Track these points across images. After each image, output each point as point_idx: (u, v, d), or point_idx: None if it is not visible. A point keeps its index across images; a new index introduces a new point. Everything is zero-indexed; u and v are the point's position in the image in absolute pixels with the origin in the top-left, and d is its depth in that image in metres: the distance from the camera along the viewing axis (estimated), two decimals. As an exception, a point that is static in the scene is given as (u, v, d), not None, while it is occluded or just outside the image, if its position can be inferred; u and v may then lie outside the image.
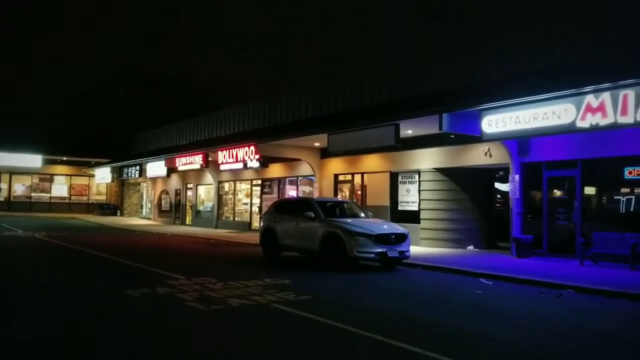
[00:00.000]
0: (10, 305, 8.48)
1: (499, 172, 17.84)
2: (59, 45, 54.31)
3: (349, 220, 13.67)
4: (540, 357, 6.17)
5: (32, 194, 42.94)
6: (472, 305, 9.14)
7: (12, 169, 40.69)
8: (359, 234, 12.61)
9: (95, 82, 51.22)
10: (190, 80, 50.81)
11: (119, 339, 6.55)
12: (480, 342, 6.68)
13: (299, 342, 6.55)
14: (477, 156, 16.57)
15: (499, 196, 18.31)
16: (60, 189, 43.92)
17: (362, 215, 14.79)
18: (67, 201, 43.79)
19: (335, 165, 21.53)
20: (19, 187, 42.70)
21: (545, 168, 15.26)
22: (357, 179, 20.97)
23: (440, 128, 13.95)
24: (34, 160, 40.17)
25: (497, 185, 18.33)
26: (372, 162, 19.88)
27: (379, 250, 12.57)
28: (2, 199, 41.70)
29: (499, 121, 13.34)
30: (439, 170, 17.85)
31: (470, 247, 17.47)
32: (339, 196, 21.20)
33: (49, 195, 43.46)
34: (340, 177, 21.69)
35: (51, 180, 43.63)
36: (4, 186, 41.98)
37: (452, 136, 15.70)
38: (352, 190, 21.12)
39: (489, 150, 16.22)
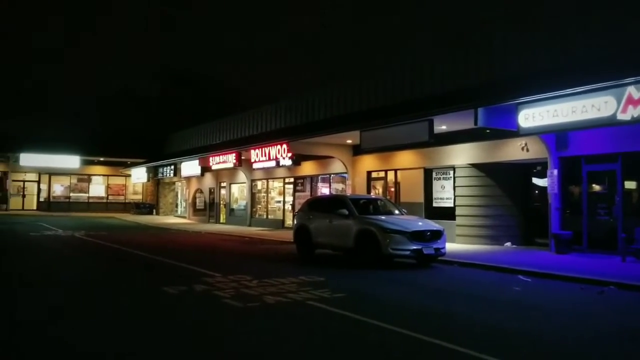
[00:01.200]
0: (56, 303, 8.77)
1: (537, 167, 17.52)
2: (92, 47, 55.53)
3: (383, 217, 13.66)
4: (583, 355, 6.06)
5: (71, 194, 44.13)
6: (510, 302, 9.03)
7: (51, 170, 41.89)
8: (393, 231, 12.57)
9: (129, 83, 52.29)
10: (222, 80, 51.38)
11: (156, 335, 6.71)
12: (520, 339, 6.60)
13: (335, 339, 6.59)
14: (514, 151, 16.31)
15: (536, 192, 17.98)
16: (97, 189, 45.03)
17: (396, 212, 14.74)
18: (104, 201, 44.86)
19: (368, 162, 21.48)
20: (58, 188, 43.94)
21: (584, 162, 14.92)
22: (391, 175, 20.88)
23: (476, 123, 13.78)
24: (72, 161, 41.28)
25: (535, 180, 18.00)
26: (405, 158, 19.76)
27: (414, 248, 12.51)
28: (42, 199, 42.99)
29: (536, 115, 13.11)
30: (474, 165, 17.64)
31: (508, 244, 17.22)
32: (372, 193, 21.15)
33: (87, 195, 44.61)
34: (373, 174, 21.63)
35: (89, 181, 44.76)
36: (44, 187, 43.26)
37: (487, 131, 15.46)
38: (386, 187, 21.04)
39: (525, 144, 15.95)
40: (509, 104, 13.43)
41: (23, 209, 41.47)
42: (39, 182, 43.00)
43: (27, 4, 57.83)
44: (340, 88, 22.20)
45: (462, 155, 17.86)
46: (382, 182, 21.32)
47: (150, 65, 54.10)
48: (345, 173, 22.46)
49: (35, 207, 42.32)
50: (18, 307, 8.35)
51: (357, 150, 21.08)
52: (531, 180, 18.07)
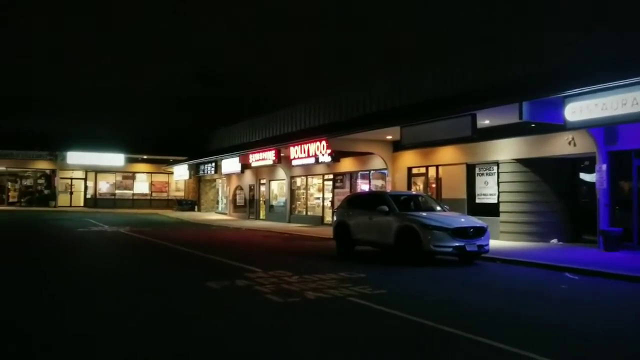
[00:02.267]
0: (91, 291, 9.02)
1: (584, 162, 16.99)
2: (132, 47, 56.80)
3: (424, 213, 13.51)
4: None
5: (116, 191, 45.41)
6: (557, 300, 8.79)
7: (97, 167, 43.23)
8: (435, 228, 12.42)
9: (170, 83, 53.33)
10: (256, 77, 51.85)
11: (200, 328, 6.81)
12: (569, 338, 6.41)
13: (377, 336, 6.54)
14: (560, 146, 15.86)
15: (584, 187, 17.44)
16: (141, 186, 46.18)
17: (438, 208, 14.55)
18: (148, 197, 45.96)
19: (409, 158, 21.28)
20: (104, 185, 45.26)
21: (634, 156, 14.38)
22: (432, 171, 20.62)
23: (520, 117, 13.46)
24: (117, 159, 42.43)
25: (582, 175, 17.46)
26: (447, 154, 19.49)
27: (457, 244, 12.33)
28: (88, 196, 44.39)
29: (583, 108, 12.70)
30: (519, 161, 17.25)
31: (554, 241, 16.77)
32: (412, 190, 20.94)
33: (132, 192, 45.81)
34: (414, 170, 21.41)
35: (133, 178, 45.95)
36: (90, 184, 44.65)
37: (532, 125, 15.10)
38: (427, 184, 20.80)
39: (572, 139, 15.49)
40: (555, 97, 13.06)
41: (71, 206, 42.94)
42: (85, 179, 44.40)
43: (67, 5, 59.57)
44: (380, 83, 22.03)
45: (506, 150, 17.49)
46: (423, 178, 21.07)
47: (190, 65, 55.05)
48: (385, 169, 22.30)
49: (82, 204, 43.75)
50: (71, 302, 8.62)
51: (398, 146, 20.90)
52: (579, 175, 17.54)
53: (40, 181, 44.32)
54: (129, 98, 53.10)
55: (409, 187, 21.23)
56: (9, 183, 43.32)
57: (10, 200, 42.76)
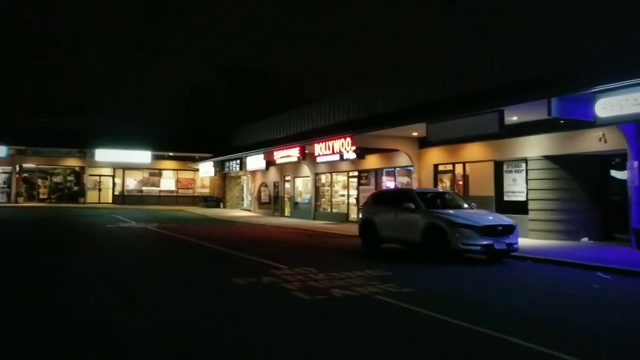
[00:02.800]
0: (132, 293, 9.15)
1: (615, 159, 16.60)
2: (157, 43, 57.36)
3: (452, 211, 13.40)
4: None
5: (143, 188, 46.06)
6: (589, 300, 8.63)
7: (125, 165, 43.85)
8: (463, 225, 12.30)
9: (194, 80, 53.77)
10: (284, 74, 51.96)
11: (227, 326, 6.85)
12: (602, 339, 6.27)
13: (406, 335, 6.50)
14: (590, 142, 15.54)
15: (615, 185, 17.05)
16: (168, 182, 46.76)
17: (465, 206, 14.41)
18: (174, 194, 46.51)
19: (435, 154, 21.10)
20: (131, 182, 45.94)
21: (670, 153, 13.99)
22: (459, 168, 20.42)
23: (549, 113, 13.22)
24: (144, 156, 42.95)
25: (613, 173, 17.07)
26: (474, 150, 19.27)
27: (485, 243, 12.19)
28: (116, 193, 45.11)
29: (614, 104, 12.40)
30: (548, 157, 16.96)
31: (585, 239, 16.46)
32: (439, 187, 20.77)
33: (158, 188, 46.41)
34: (440, 167, 21.23)
35: (160, 175, 46.56)
36: (118, 181, 45.37)
37: (562, 122, 14.83)
38: (453, 181, 20.61)
39: (603, 135, 15.16)
40: (585, 93, 12.79)
41: (99, 202, 43.71)
42: (113, 176, 45.14)
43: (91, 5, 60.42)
44: (405, 78, 21.88)
45: (534, 147, 17.21)
46: (449, 175, 20.89)
47: (214, 61, 55.34)
48: (411, 166, 22.16)
49: (110, 200, 44.49)
50: (102, 296, 8.77)
51: (423, 143, 20.75)
52: (609, 172, 17.16)
53: (69, 178, 45.21)
54: (155, 95, 53.78)
55: (436, 185, 21.06)
56: (40, 180, 44.27)
57: (41, 196, 43.70)
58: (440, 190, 18.43)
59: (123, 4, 62.65)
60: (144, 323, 6.98)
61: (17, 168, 41.93)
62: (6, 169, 41.52)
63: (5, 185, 41.72)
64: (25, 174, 43.37)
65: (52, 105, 50.01)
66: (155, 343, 6.08)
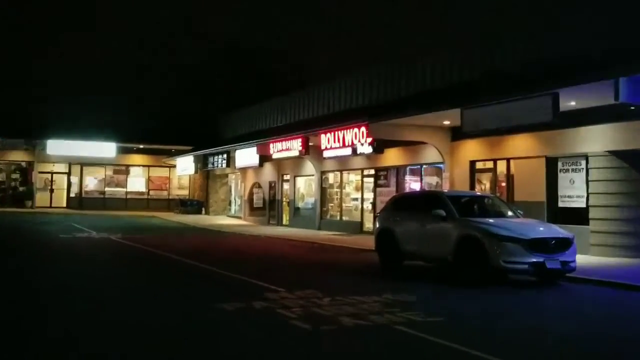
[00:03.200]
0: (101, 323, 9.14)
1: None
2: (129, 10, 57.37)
3: (492, 220, 13.38)
4: None
5: (106, 189, 46.20)
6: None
7: (84, 160, 43.89)
8: (506, 239, 12.24)
9: (175, 59, 53.75)
10: (287, 54, 51.95)
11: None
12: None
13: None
14: (669, 134, 15.43)
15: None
16: (137, 182, 46.92)
17: (509, 213, 14.37)
18: (144, 197, 46.65)
19: (471, 148, 21.03)
20: (91, 181, 46.14)
21: None
22: (501, 166, 20.33)
23: (617, 98, 13.17)
24: (107, 149, 43.10)
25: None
26: (521, 144, 19.17)
27: (534, 260, 12.12)
28: (72, 195, 45.25)
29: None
30: (614, 153, 16.85)
31: (660, 257, 16.34)
32: (476, 189, 20.70)
33: (125, 190, 46.54)
34: (478, 165, 21.16)
35: (127, 173, 46.69)
36: (75, 180, 45.45)
37: (632, 108, 14.74)
38: (495, 182, 20.53)
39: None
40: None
41: (51, 206, 43.73)
42: (69, 174, 45.25)
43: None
44: (435, 54, 21.81)
45: (598, 140, 17.10)
46: (489, 174, 20.81)
47: (200, 37, 55.30)
48: (442, 163, 22.09)
49: (65, 204, 44.58)
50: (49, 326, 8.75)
51: (457, 134, 20.66)
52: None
53: (14, 176, 45.32)
54: (123, 77, 53.70)
55: (472, 186, 20.99)
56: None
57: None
58: (478, 193, 18.39)
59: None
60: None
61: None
62: None
63: None
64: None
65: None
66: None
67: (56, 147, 41.78)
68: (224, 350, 7.42)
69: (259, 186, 36.41)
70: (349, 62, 42.81)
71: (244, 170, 36.18)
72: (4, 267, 15.07)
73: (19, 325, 8.61)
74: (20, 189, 44.84)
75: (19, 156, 44.14)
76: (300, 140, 25.95)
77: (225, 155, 34.60)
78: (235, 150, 32.87)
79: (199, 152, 37.82)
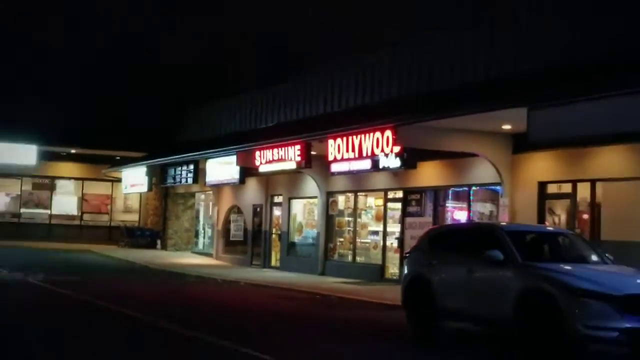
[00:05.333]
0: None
1: None
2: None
3: (569, 267, 13.40)
4: None
5: (22, 210, 46.35)
6: None
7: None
8: (589, 294, 12.23)
9: (123, 33, 54.18)
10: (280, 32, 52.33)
11: None
12: None
13: None
14: None
15: None
16: (65, 201, 47.09)
17: (594, 258, 14.40)
18: (76, 222, 46.79)
19: (541, 165, 21.12)
20: (2, 199, 46.24)
21: None
22: (583, 191, 20.39)
23: None
24: (25, 154, 43.24)
25: None
26: (612, 160, 19.27)
27: (629, 326, 12.11)
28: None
29: None
30: None
31: None
32: (547, 223, 20.73)
33: (48, 212, 46.68)
34: (551, 188, 21.22)
35: (51, 188, 46.89)
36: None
37: None
38: (573, 213, 20.60)
39: None
40: None
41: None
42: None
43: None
44: (486, 32, 21.88)
45: None
46: (567, 202, 20.88)
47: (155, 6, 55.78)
48: (499, 185, 22.17)
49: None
50: None
51: (522, 144, 20.72)
52: None
53: None
54: (52, 60, 54.10)
55: (542, 219, 21.02)
56: None
57: None
58: (550, 229, 18.36)
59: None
60: None
61: None
62: None
63: None
64: None
65: None
66: None
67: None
68: None
69: (239, 211, 36.49)
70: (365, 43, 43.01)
71: (217, 188, 36.30)
72: None
73: None
74: None
75: None
76: (298, 147, 25.98)
77: (191, 167, 34.70)
78: (207, 159, 32.96)
79: (154, 161, 37.96)
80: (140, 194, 44.35)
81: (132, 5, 55.63)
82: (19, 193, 46.56)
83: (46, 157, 44.57)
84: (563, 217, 20.89)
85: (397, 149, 21.37)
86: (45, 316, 17.00)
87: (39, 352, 12.31)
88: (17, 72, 51.01)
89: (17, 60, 52.31)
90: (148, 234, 44.34)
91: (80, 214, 47.22)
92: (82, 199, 47.39)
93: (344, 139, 23.15)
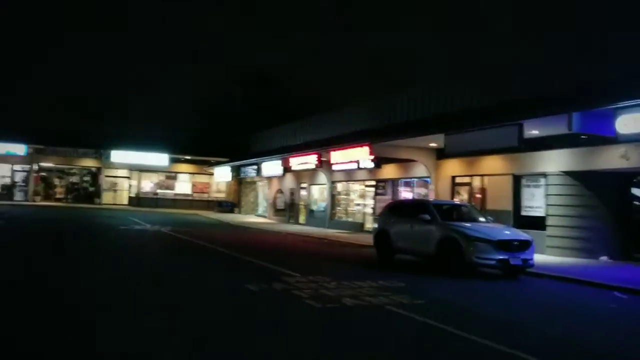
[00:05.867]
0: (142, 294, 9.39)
1: (638, 177, 16.52)
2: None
3: (468, 224, 13.44)
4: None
5: (158, 191, 46.60)
6: (606, 319, 8.64)
7: (141, 167, 44.55)
8: (478, 239, 12.34)
9: (212, 84, 54.31)
10: (305, 82, 52.18)
11: (238, 329, 7.04)
12: (603, 354, 6.33)
13: (413, 347, 6.62)
14: (612, 159, 15.47)
15: (636, 203, 16.95)
16: (183, 186, 47.26)
17: (482, 219, 14.42)
18: (189, 198, 46.94)
19: (453, 166, 21.14)
20: (147, 184, 46.54)
21: (694, 172, 13.91)
22: (476, 181, 20.42)
23: (570, 128, 13.23)
24: (161, 159, 43.63)
25: (635, 190, 16.99)
26: (492, 163, 19.28)
27: (500, 257, 12.22)
28: (132, 195, 45.73)
29: (636, 120, 12.38)
30: (568, 173, 16.92)
31: (604, 258, 16.36)
32: (456, 199, 20.79)
33: (173, 192, 46.91)
34: (458, 180, 21.23)
35: (175, 178, 47.10)
36: (134, 183, 46.01)
37: (583, 137, 14.82)
38: (471, 194, 20.61)
39: (626, 152, 15.09)
40: (606, 109, 12.79)
41: (114, 204, 44.28)
42: (129, 178, 45.79)
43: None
44: (425, 90, 21.95)
45: (554, 161, 17.19)
46: (467, 188, 20.89)
47: (232, 67, 55.80)
48: (428, 177, 22.21)
49: (125, 202, 45.07)
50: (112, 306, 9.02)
51: (441, 154, 20.78)
52: (631, 190, 17.06)
53: (85, 178, 46.01)
54: (173, 99, 54.38)
55: (453, 197, 21.07)
56: (57, 179, 45.12)
57: (57, 196, 44.47)
58: (457, 202, 18.44)
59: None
60: (168, 324, 7.19)
61: (36, 167, 42.75)
62: (25, 167, 42.37)
63: (23, 184, 42.55)
64: (43, 173, 44.21)
65: (73, 106, 50.85)
66: (183, 340, 6.30)
67: (119, 156, 42.34)
68: (248, 318, 7.66)
69: (281, 192, 36.62)
70: (359, 90, 42.97)
71: (269, 178, 36.45)
72: (91, 244, 15.46)
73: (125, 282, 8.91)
74: (90, 189, 45.48)
75: (89, 162, 44.72)
76: (315, 156, 26.16)
77: (255, 166, 34.89)
78: (263, 162, 33.15)
79: (233, 164, 38.10)
80: (226, 182, 44.51)
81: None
82: (157, 181, 46.81)
83: (172, 160, 44.79)
84: (465, 196, 20.92)
85: (371, 157, 21.48)
86: (169, 246, 17.35)
87: (171, 255, 12.81)
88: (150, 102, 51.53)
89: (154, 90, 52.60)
90: (230, 204, 44.48)
91: (191, 193, 47.41)
92: (193, 185, 47.57)
93: (341, 151, 23.32)
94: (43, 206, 38.43)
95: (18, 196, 41.75)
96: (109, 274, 11.19)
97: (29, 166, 42.26)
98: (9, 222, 24.01)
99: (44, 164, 43.40)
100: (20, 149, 40.24)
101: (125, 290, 9.58)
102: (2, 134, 38.93)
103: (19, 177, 42.59)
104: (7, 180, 42.21)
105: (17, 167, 42.14)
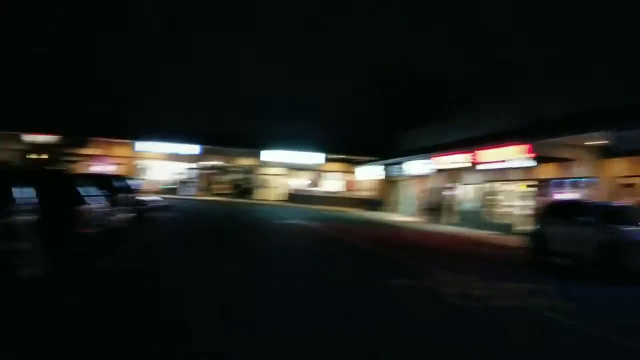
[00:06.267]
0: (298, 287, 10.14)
1: None
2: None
3: (633, 228, 12.55)
4: None
5: (310, 188, 48.88)
6: None
7: (293, 165, 47.32)
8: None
9: (356, 85, 54.96)
10: (447, 78, 50.97)
11: (376, 321, 7.38)
12: None
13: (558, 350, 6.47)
14: None
15: None
16: (332, 184, 49.05)
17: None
18: (338, 195, 48.44)
19: (617, 166, 19.50)
20: (303, 182, 49.18)
21: None
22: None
23: None
24: (316, 157, 46.10)
25: None
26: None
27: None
28: (285, 192, 48.56)
29: None
30: None
31: None
32: (621, 201, 19.14)
33: (323, 189, 48.84)
34: (623, 180, 19.52)
35: (325, 177, 49.10)
36: (287, 180, 48.90)
37: None
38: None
39: None
40: None
41: (269, 200, 47.31)
42: (283, 176, 48.72)
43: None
44: (584, 78, 20.49)
45: None
46: (633, 189, 19.14)
47: (378, 63, 55.89)
48: (588, 177, 20.74)
49: (279, 198, 47.90)
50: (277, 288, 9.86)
51: (606, 153, 19.27)
52: None
53: (243, 176, 49.90)
54: (320, 99, 56.08)
55: (616, 198, 19.42)
56: (217, 177, 49.57)
57: (216, 192, 48.78)
58: (622, 204, 17.08)
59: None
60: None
61: (207, 164, 47.47)
62: (194, 165, 47.36)
63: (196, 180, 47.51)
64: (214, 170, 49.01)
65: (230, 107, 54.78)
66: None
67: (273, 155, 45.46)
68: (391, 310, 7.96)
69: (429, 191, 36.34)
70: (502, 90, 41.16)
71: (417, 177, 36.35)
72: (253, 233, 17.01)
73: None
74: (248, 185, 49.22)
75: (247, 161, 48.30)
76: (465, 155, 25.70)
77: (402, 165, 35.08)
78: (411, 161, 33.20)
79: (381, 162, 38.69)
80: (373, 180, 45.25)
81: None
82: (309, 179, 49.14)
83: (326, 159, 46.79)
84: (632, 199, 19.20)
85: (530, 155, 20.67)
86: (319, 241, 18.24)
87: (318, 253, 13.52)
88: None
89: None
90: (377, 203, 45.04)
91: (340, 190, 48.87)
92: (342, 183, 49.06)
93: (494, 149, 22.80)
94: (208, 201, 42.22)
95: (183, 191, 46.34)
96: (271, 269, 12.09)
97: (196, 165, 47.03)
98: (181, 214, 26.61)
99: (209, 163, 47.94)
100: (195, 149, 45.32)
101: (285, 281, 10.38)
102: (177, 135, 43.85)
103: (187, 175, 47.51)
104: (179, 177, 47.37)
105: (188, 165, 47.15)
